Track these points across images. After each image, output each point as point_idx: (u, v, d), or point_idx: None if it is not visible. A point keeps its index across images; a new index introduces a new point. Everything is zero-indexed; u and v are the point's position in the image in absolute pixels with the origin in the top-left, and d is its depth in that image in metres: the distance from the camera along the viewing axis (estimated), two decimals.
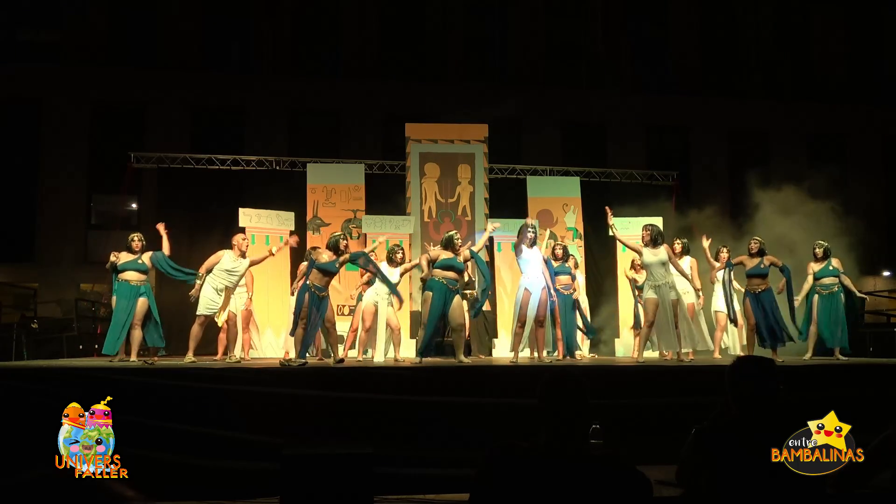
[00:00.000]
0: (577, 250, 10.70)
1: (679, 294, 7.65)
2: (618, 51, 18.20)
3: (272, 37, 17.20)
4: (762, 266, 7.76)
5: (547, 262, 7.95)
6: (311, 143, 15.15)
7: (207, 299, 7.58)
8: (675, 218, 11.42)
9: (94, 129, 16.55)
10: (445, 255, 7.34)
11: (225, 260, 7.68)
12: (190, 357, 7.36)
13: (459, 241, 7.53)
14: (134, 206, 16.35)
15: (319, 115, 17.07)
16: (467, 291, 8.85)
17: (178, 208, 10.68)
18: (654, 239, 7.54)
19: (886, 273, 17.32)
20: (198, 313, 7.59)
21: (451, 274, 7.27)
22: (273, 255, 8.00)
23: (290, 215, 10.14)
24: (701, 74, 18.54)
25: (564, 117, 17.55)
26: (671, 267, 7.59)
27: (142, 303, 7.47)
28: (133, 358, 7.41)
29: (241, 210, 9.67)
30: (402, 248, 8.48)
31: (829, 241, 8.43)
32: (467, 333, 8.52)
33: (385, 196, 10.66)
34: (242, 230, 9.61)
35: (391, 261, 8.24)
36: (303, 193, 10.43)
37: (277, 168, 11.22)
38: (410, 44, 17.83)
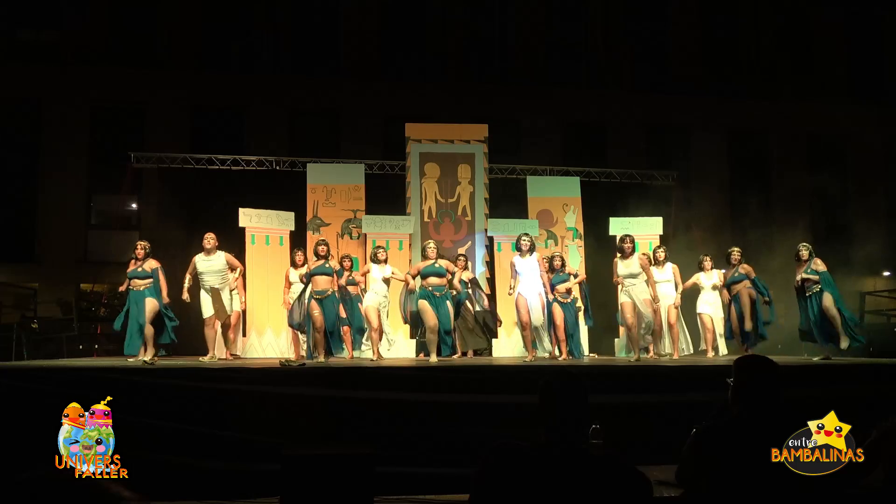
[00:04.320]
0: (577, 250, 10.70)
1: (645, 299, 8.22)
2: (618, 51, 18.19)
3: (272, 37, 17.20)
4: (737, 274, 8.45)
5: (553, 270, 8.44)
6: (311, 143, 15.15)
7: (203, 302, 8.08)
8: (675, 218, 11.42)
9: (94, 129, 16.54)
10: (426, 263, 7.95)
11: (198, 263, 8.08)
12: (209, 356, 7.94)
13: (432, 249, 8.06)
14: (134, 206, 16.34)
15: (319, 115, 17.06)
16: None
17: (178, 208, 10.68)
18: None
19: (886, 273, 17.31)
20: (204, 316, 8.14)
21: (433, 280, 7.82)
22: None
23: (290, 215, 10.14)
24: (701, 74, 18.52)
25: (564, 117, 17.54)
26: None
27: (149, 302, 7.67)
28: (148, 356, 7.59)
29: (241, 210, 9.67)
30: (384, 248, 8.72)
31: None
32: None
33: (385, 196, 10.65)
34: (243, 230, 9.67)
35: (375, 260, 8.48)
36: (303, 193, 10.42)
37: (277, 168, 11.21)
38: (410, 43, 17.83)
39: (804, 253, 8.10)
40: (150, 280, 7.74)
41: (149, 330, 7.66)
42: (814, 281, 7.91)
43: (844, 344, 7.76)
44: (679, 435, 2.91)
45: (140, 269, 7.78)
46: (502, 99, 16.90)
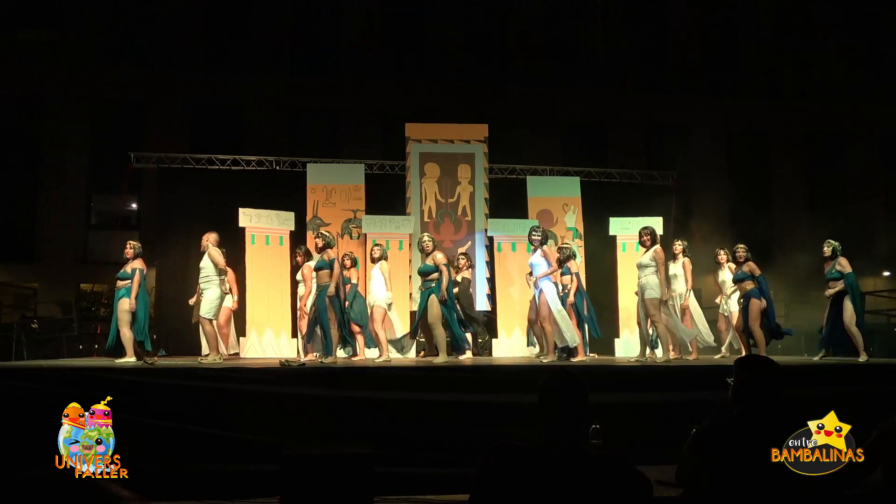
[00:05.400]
0: (577, 250, 10.70)
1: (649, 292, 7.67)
2: (618, 51, 18.20)
3: (272, 37, 17.21)
4: (740, 272, 7.97)
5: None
6: (311, 143, 15.15)
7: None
8: (675, 218, 11.41)
9: (93, 128, 16.56)
10: (421, 263, 7.88)
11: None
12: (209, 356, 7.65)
13: (427, 243, 7.91)
14: (134, 206, 16.37)
15: (319, 115, 17.08)
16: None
17: (178, 208, 10.67)
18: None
19: (886, 273, 17.32)
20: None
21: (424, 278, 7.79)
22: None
23: (290, 215, 10.14)
24: (701, 74, 18.54)
25: (564, 117, 17.55)
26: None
27: (121, 303, 7.49)
28: (128, 358, 7.45)
29: (241, 210, 9.65)
30: (381, 246, 8.57)
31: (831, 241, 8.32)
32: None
33: (385, 196, 10.64)
34: (243, 230, 9.66)
35: (372, 259, 8.39)
36: (303, 193, 10.41)
37: (277, 168, 11.21)
38: (410, 43, 17.84)
39: (826, 250, 7.77)
40: (129, 281, 7.56)
41: (126, 332, 7.49)
42: (836, 285, 7.55)
43: (862, 358, 7.44)
44: (679, 435, 2.91)
45: (122, 271, 7.64)
46: (502, 99, 16.91)
